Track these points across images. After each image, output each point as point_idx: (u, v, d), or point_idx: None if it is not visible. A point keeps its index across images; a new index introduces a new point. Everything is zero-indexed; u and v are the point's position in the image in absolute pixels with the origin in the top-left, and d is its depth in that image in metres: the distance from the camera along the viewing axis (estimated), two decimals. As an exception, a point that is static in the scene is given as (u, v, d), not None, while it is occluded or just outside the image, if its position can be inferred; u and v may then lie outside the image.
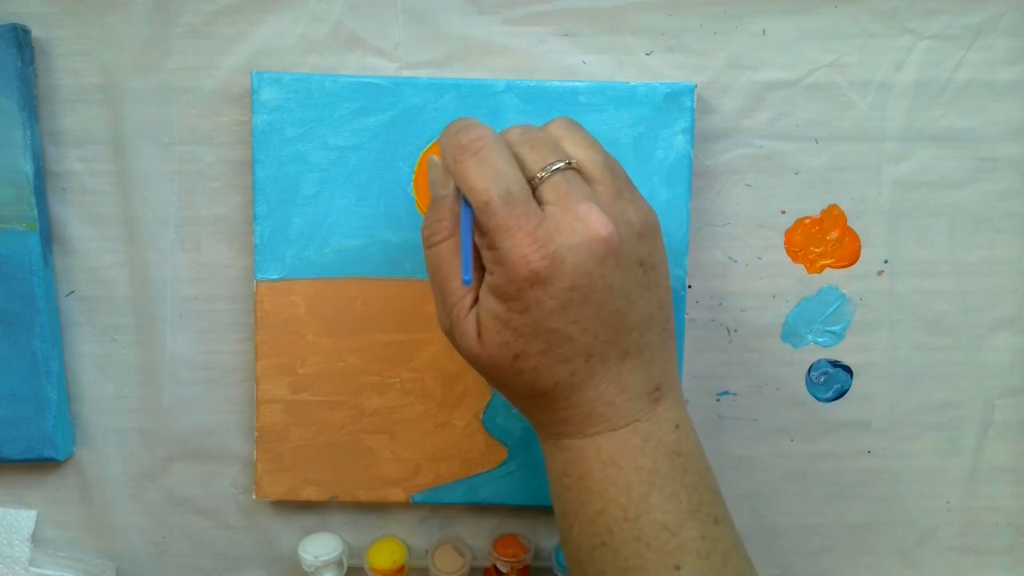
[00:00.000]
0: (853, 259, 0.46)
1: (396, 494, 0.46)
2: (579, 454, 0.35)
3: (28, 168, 0.43)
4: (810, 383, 0.47)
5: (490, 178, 0.32)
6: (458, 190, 0.34)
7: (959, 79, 0.45)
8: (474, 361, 0.35)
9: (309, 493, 0.46)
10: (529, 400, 0.35)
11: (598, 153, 0.35)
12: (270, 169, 0.44)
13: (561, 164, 0.33)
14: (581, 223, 0.32)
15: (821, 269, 0.46)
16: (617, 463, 0.34)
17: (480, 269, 0.34)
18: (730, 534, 0.36)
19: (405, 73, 0.45)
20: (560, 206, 0.32)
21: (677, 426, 0.35)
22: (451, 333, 0.35)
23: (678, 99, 0.43)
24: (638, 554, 0.33)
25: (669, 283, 0.36)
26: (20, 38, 0.43)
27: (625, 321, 0.34)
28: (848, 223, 0.46)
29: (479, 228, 0.33)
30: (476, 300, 0.34)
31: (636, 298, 0.34)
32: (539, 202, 0.33)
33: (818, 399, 0.47)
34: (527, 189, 0.33)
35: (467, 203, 0.33)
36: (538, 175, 0.33)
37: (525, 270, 0.32)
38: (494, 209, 0.32)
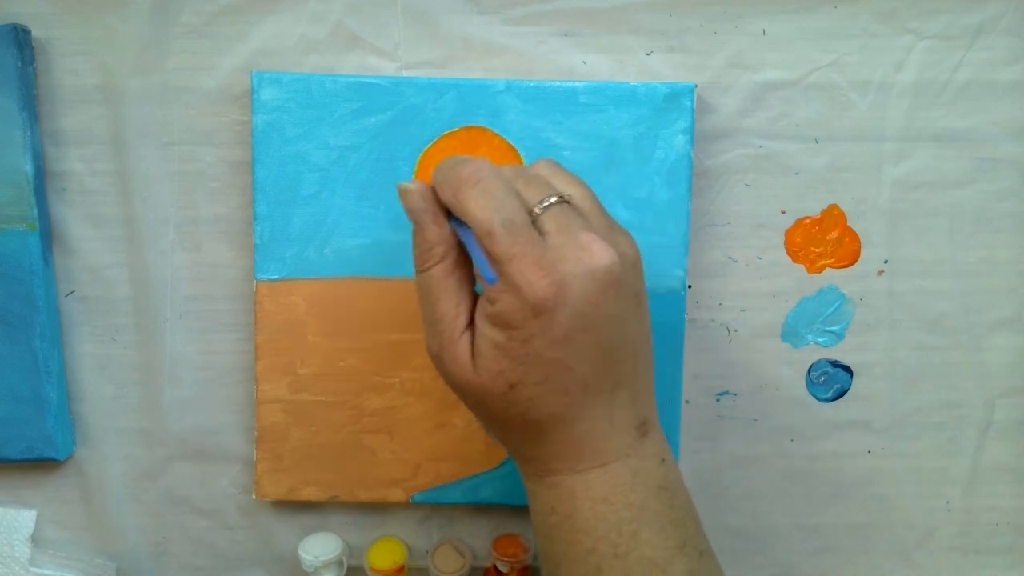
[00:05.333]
0: (853, 259, 0.46)
1: (396, 494, 0.46)
2: (568, 491, 0.34)
3: (28, 168, 0.43)
4: (810, 383, 0.47)
5: (493, 207, 0.32)
6: (448, 215, 0.34)
7: (959, 79, 0.45)
8: (463, 388, 0.34)
9: (309, 493, 0.46)
10: (518, 432, 0.34)
11: (585, 189, 0.36)
12: (270, 169, 0.44)
13: (556, 198, 0.34)
14: (584, 252, 0.32)
15: (821, 269, 0.46)
16: (608, 499, 0.34)
17: (472, 298, 0.34)
18: (714, 567, 0.36)
19: (405, 73, 0.45)
20: (562, 235, 0.32)
21: (663, 460, 0.35)
22: (439, 357, 0.34)
23: (678, 99, 0.43)
24: None
25: (649, 318, 0.36)
26: (20, 38, 0.43)
27: (620, 352, 0.34)
28: (848, 223, 0.46)
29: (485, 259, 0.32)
30: (468, 325, 0.34)
31: (630, 328, 0.34)
32: (540, 233, 0.33)
33: (818, 399, 0.47)
34: (528, 218, 0.33)
35: (465, 226, 0.33)
36: (535, 209, 0.33)
37: (532, 297, 0.31)
38: (498, 238, 0.31)
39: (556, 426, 0.34)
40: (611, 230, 0.35)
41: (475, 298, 0.34)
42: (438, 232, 0.34)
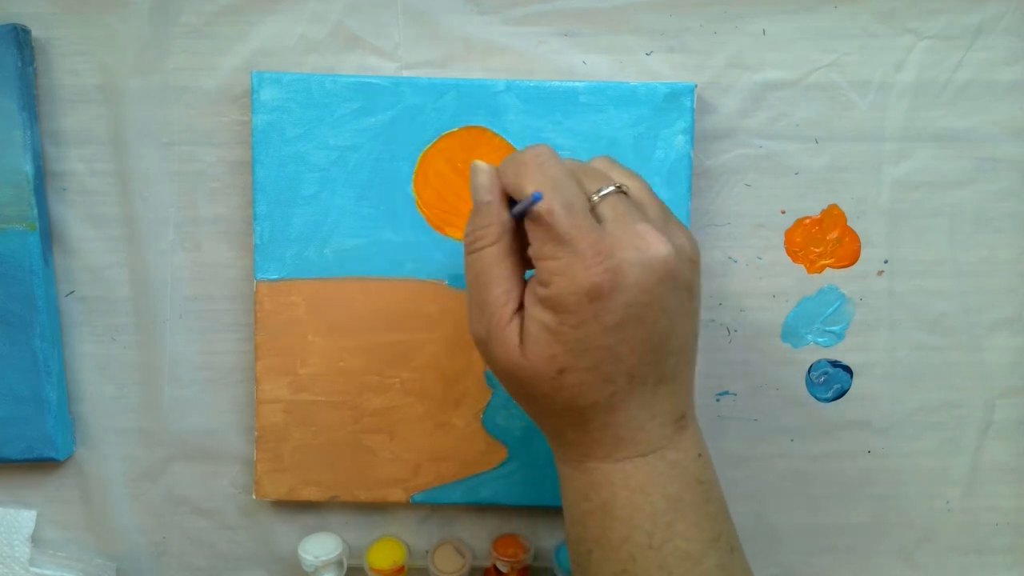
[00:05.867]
0: (853, 259, 0.46)
1: (396, 494, 0.46)
2: (605, 478, 0.34)
3: (28, 168, 0.43)
4: (810, 383, 0.47)
5: (553, 188, 0.32)
6: (506, 197, 0.34)
7: (959, 79, 0.45)
8: (511, 372, 0.34)
9: (309, 493, 0.46)
10: (563, 418, 0.34)
11: (643, 182, 0.36)
12: (270, 169, 0.44)
13: (613, 188, 0.34)
14: (642, 241, 0.32)
15: (821, 269, 0.46)
16: (645, 489, 0.34)
17: (522, 285, 0.34)
18: (744, 565, 0.36)
19: (405, 73, 0.45)
20: (619, 223, 0.33)
21: (699, 455, 0.35)
22: (486, 342, 0.34)
23: (678, 99, 0.43)
24: None
25: (700, 314, 0.36)
26: (20, 38, 0.43)
27: (668, 345, 0.33)
28: (848, 223, 0.46)
29: (537, 239, 0.32)
30: (519, 309, 0.34)
31: (679, 323, 0.34)
32: (597, 220, 0.33)
33: (818, 399, 0.47)
34: (587, 204, 0.33)
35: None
36: (594, 196, 0.33)
37: (587, 282, 0.31)
38: (557, 219, 0.31)
39: (599, 414, 0.34)
40: (668, 223, 0.35)
41: (524, 285, 0.34)
42: (495, 213, 0.34)
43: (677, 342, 0.34)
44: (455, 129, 0.44)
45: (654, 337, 0.33)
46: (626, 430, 0.34)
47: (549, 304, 0.32)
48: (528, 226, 0.33)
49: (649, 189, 0.36)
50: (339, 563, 0.46)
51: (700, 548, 0.34)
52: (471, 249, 0.34)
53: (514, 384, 0.34)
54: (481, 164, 0.35)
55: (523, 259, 0.34)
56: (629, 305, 0.32)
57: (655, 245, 0.32)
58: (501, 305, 0.33)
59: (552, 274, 0.32)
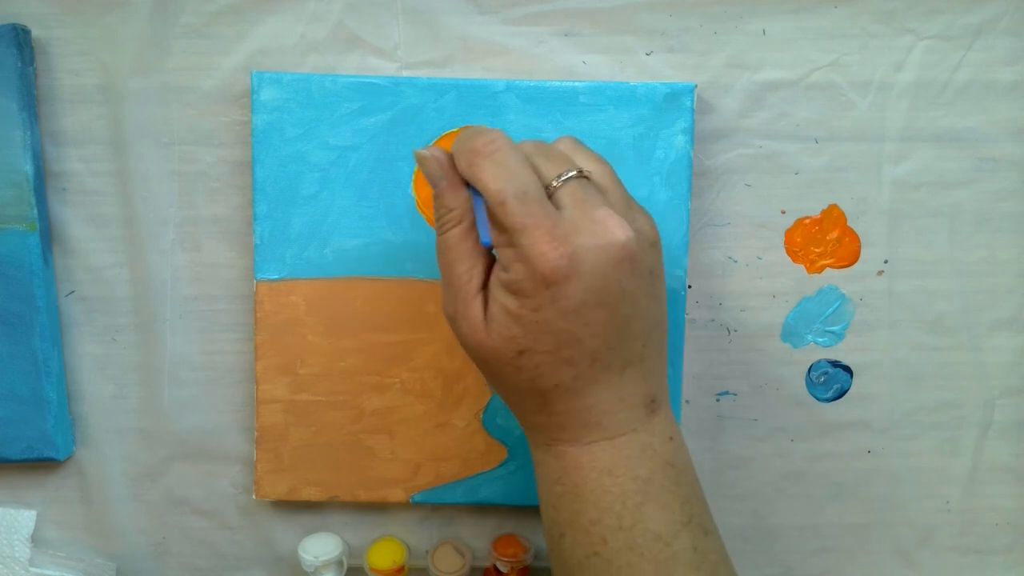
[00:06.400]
0: (853, 259, 0.46)
1: (396, 494, 0.46)
2: (574, 461, 0.35)
3: (28, 168, 0.43)
4: (810, 383, 0.47)
5: (505, 178, 0.32)
6: (463, 182, 0.34)
7: (959, 79, 0.45)
8: (475, 350, 0.34)
9: (309, 493, 0.46)
10: (526, 399, 0.35)
11: (607, 166, 0.36)
12: (270, 169, 0.44)
13: (574, 173, 0.34)
14: (599, 226, 0.32)
15: (821, 269, 0.46)
16: (613, 472, 0.34)
17: (488, 262, 0.35)
18: (719, 547, 0.36)
19: (405, 73, 0.45)
20: (578, 209, 0.33)
21: (671, 438, 0.35)
22: (454, 318, 0.35)
23: (678, 99, 0.43)
24: (631, 564, 0.33)
25: (666, 297, 0.36)
26: (20, 38, 0.43)
27: (631, 329, 0.34)
28: (848, 223, 0.46)
29: (495, 227, 0.33)
30: (483, 286, 0.34)
31: (643, 307, 0.34)
32: (555, 207, 0.33)
33: (818, 399, 0.47)
34: (542, 190, 0.33)
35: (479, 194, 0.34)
36: (553, 183, 0.34)
37: (544, 267, 0.32)
38: (511, 208, 0.32)
39: (562, 396, 0.34)
40: (630, 208, 0.35)
41: (491, 262, 0.35)
42: (454, 196, 0.34)
43: (641, 325, 0.34)
44: (455, 129, 0.44)
45: (616, 320, 0.33)
46: (593, 413, 0.34)
47: (509, 288, 0.33)
48: (488, 213, 0.33)
49: (612, 173, 0.36)
50: (339, 563, 0.46)
51: (671, 530, 0.34)
52: (439, 232, 0.35)
53: (479, 362, 0.35)
54: (425, 151, 0.35)
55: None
56: (587, 290, 0.32)
57: (614, 230, 0.32)
58: (465, 282, 0.34)
59: (511, 260, 0.32)
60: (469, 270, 0.34)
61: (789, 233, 0.46)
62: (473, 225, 0.34)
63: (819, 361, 0.47)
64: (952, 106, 0.45)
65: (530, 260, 0.32)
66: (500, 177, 0.32)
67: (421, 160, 0.35)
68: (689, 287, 0.46)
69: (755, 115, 0.45)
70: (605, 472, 0.34)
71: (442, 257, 0.35)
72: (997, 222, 0.46)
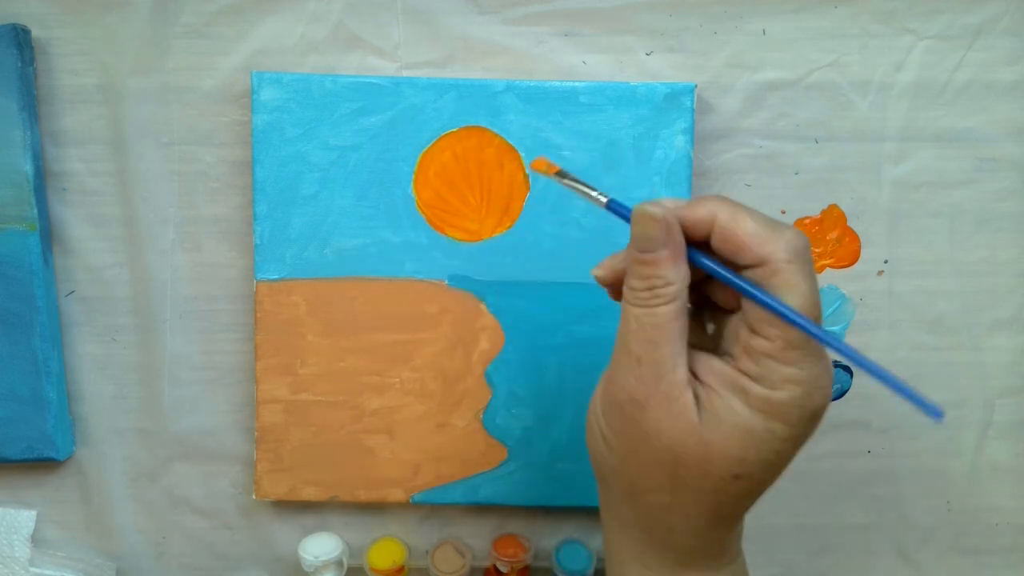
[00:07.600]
0: (853, 259, 0.46)
1: (396, 494, 0.46)
2: None
3: (28, 168, 0.43)
4: (810, 383, 0.47)
5: (817, 291, 0.29)
6: (683, 246, 0.30)
7: (959, 79, 0.45)
8: (671, 446, 0.30)
9: (309, 493, 0.46)
10: (692, 519, 0.31)
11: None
12: (270, 169, 0.44)
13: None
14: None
15: (821, 269, 0.46)
16: None
17: (686, 342, 0.30)
18: None
19: (405, 73, 0.45)
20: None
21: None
22: (644, 404, 0.30)
23: (678, 99, 0.43)
24: None
25: None
26: (20, 38, 0.43)
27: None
28: (848, 223, 0.46)
29: (781, 338, 0.28)
30: (691, 377, 0.30)
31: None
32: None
33: (818, 399, 0.47)
34: None
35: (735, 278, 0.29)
36: None
37: (820, 402, 0.29)
38: (821, 323, 0.29)
39: (734, 525, 0.32)
40: None
41: (686, 346, 0.31)
42: (675, 270, 0.30)
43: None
44: (455, 129, 0.44)
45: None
46: (734, 541, 0.33)
47: (766, 407, 0.29)
48: (771, 319, 0.28)
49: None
50: (339, 563, 0.46)
51: None
52: (640, 304, 0.30)
53: (657, 453, 0.30)
54: (653, 210, 0.30)
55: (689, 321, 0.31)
56: (804, 441, 0.30)
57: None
58: (670, 368, 0.30)
59: (786, 381, 0.28)
60: (676, 356, 0.30)
61: (789, 233, 0.46)
62: (686, 306, 0.30)
63: (819, 361, 0.47)
64: (952, 106, 0.45)
65: (811, 390, 0.29)
66: (816, 289, 0.28)
67: (645, 219, 0.30)
68: (689, 287, 0.46)
69: (755, 115, 0.45)
70: None
71: (642, 332, 0.30)
72: (997, 222, 0.46)
